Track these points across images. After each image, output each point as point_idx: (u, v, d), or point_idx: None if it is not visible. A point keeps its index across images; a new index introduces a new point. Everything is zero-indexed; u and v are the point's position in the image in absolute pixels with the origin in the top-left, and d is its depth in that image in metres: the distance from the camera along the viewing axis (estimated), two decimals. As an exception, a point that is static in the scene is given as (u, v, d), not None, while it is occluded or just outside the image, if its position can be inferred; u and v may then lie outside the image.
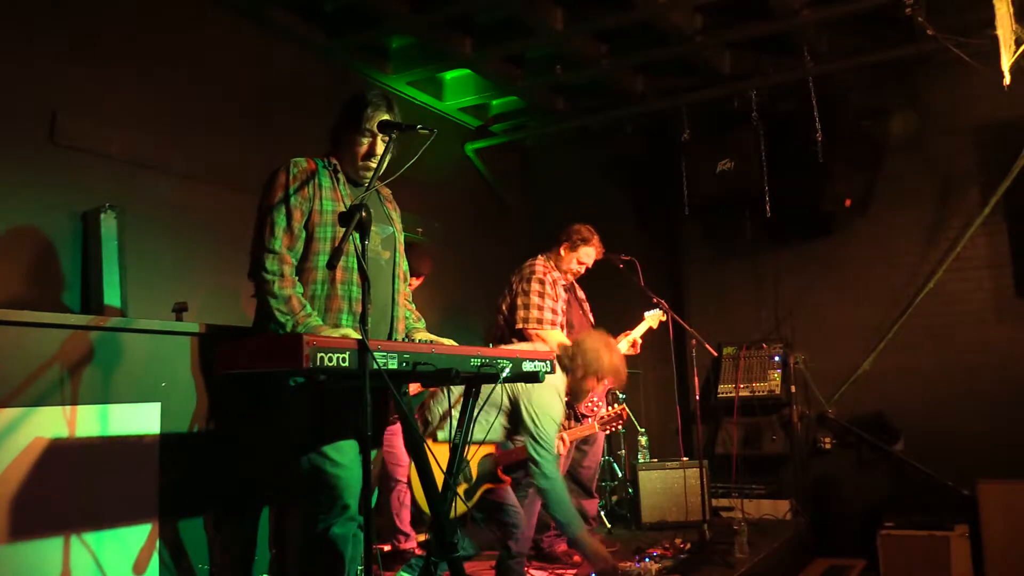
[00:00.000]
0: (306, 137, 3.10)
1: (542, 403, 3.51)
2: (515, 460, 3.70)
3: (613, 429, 4.29)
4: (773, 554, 4.64)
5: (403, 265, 2.96)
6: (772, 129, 5.77)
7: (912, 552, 4.98)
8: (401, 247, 2.92)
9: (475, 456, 3.55)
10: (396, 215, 2.97)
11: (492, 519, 3.64)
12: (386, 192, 2.99)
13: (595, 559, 3.66)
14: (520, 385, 3.50)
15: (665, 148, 6.38)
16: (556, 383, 3.60)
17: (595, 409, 4.55)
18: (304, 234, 2.65)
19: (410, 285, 3.33)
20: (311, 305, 2.61)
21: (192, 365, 2.87)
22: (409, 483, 4.29)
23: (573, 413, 4.43)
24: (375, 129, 2.70)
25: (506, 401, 3.54)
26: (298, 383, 2.56)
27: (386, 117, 2.71)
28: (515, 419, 3.55)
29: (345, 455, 2.56)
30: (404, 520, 4.34)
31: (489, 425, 3.45)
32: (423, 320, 3.01)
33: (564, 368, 3.68)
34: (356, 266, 2.63)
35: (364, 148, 2.72)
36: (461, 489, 3.53)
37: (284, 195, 2.63)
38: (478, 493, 3.59)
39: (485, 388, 3.40)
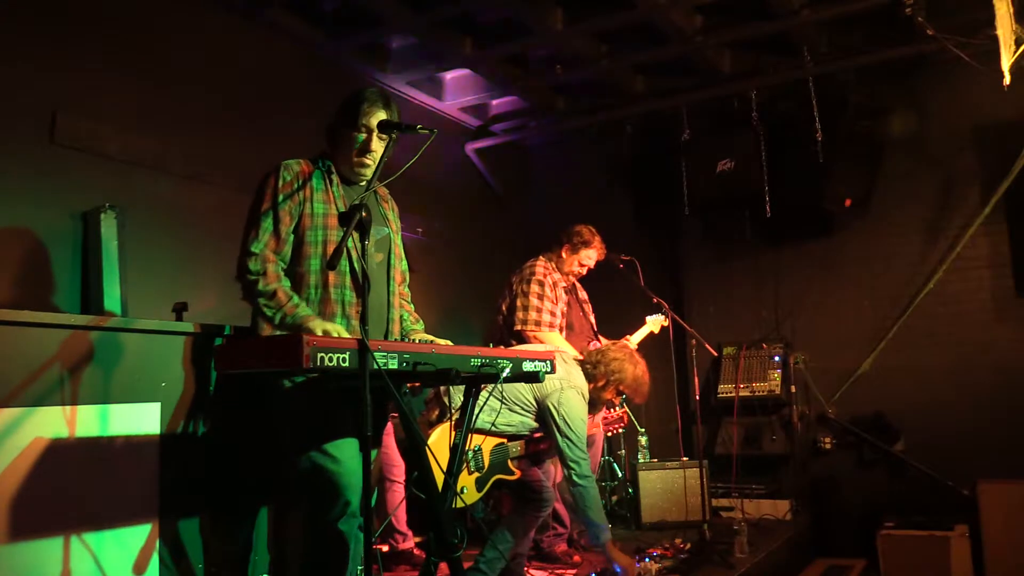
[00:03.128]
0: (306, 137, 3.09)
1: (570, 405, 3.53)
2: (534, 451, 3.70)
3: (615, 431, 4.27)
4: (773, 554, 4.64)
5: (400, 266, 2.95)
6: (772, 129, 5.77)
7: (912, 552, 4.98)
8: (397, 248, 2.90)
9: (487, 445, 3.55)
10: (393, 214, 2.95)
11: (519, 497, 3.65)
12: (383, 191, 2.96)
13: (622, 568, 3.65)
14: (545, 388, 3.54)
15: (665, 148, 6.38)
16: (580, 385, 3.63)
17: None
18: (293, 238, 2.64)
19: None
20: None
21: (192, 365, 2.87)
22: (406, 483, 4.30)
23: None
24: (371, 125, 2.68)
25: (531, 401, 3.57)
26: (296, 383, 2.56)
27: (383, 114, 2.69)
28: (542, 421, 3.58)
29: (345, 453, 2.55)
30: (401, 520, 4.34)
31: (517, 422, 3.53)
32: (421, 322, 3.00)
33: (587, 375, 3.70)
34: (348, 269, 2.63)
35: (359, 144, 2.70)
36: (473, 479, 3.51)
37: (272, 199, 2.62)
38: (489, 483, 3.58)
39: (510, 390, 3.49)
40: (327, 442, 2.55)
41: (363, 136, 2.69)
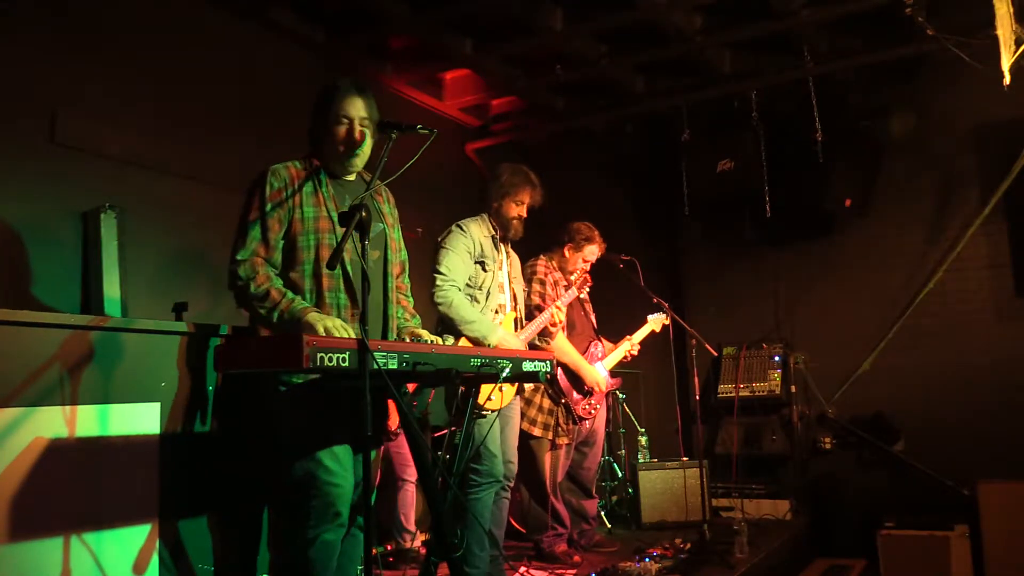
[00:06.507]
0: (306, 137, 3.09)
1: (447, 240, 3.74)
2: None
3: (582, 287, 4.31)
4: (773, 554, 4.64)
5: (398, 258, 2.92)
6: (772, 129, 5.77)
7: (912, 552, 4.98)
8: (394, 241, 2.87)
9: None
10: (388, 206, 2.91)
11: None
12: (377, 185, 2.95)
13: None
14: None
15: (665, 148, 6.38)
16: (468, 227, 3.81)
17: (592, 412, 4.54)
18: (283, 244, 2.62)
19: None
20: None
21: (192, 365, 2.87)
22: (418, 484, 4.29)
23: (571, 416, 4.43)
24: (350, 114, 2.67)
25: None
26: (293, 384, 2.54)
27: (359, 101, 2.68)
28: None
29: (340, 462, 2.53)
30: (410, 519, 4.34)
31: None
32: (418, 317, 2.97)
33: (487, 208, 3.92)
34: (341, 272, 2.62)
35: (341, 136, 2.68)
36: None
37: (260, 209, 2.60)
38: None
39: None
40: (321, 449, 2.51)
41: (343, 127, 2.68)
